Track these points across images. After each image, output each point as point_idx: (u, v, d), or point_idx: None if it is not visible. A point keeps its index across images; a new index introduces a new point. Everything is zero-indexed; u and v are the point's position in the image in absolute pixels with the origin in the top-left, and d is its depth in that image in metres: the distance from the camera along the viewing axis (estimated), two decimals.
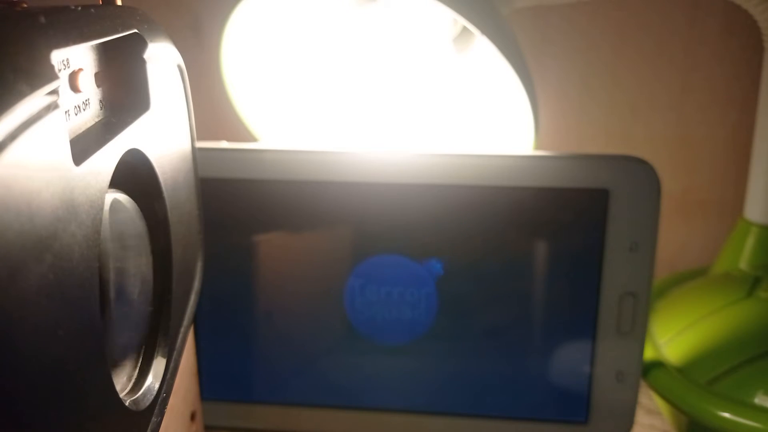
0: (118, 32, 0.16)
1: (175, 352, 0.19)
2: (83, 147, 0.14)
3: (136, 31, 0.17)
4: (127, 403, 0.16)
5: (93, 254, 0.13)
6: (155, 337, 0.19)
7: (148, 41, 0.17)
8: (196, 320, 0.23)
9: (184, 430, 0.24)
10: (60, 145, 0.12)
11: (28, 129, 0.11)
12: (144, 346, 0.18)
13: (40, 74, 0.11)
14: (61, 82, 0.13)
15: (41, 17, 0.12)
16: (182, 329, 0.20)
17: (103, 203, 0.14)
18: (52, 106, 0.12)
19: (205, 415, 0.28)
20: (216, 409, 0.32)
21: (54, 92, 0.12)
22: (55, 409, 0.12)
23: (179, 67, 0.20)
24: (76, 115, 0.14)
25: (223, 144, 0.30)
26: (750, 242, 0.35)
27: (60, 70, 0.13)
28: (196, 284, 0.22)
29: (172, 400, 0.23)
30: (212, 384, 0.31)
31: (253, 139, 0.36)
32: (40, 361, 0.11)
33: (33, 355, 0.11)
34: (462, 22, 0.27)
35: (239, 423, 0.32)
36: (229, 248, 0.30)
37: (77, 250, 0.13)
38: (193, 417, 0.25)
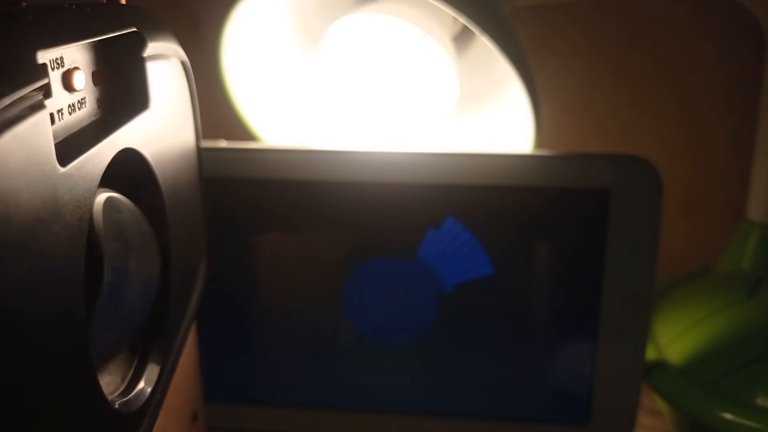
0: (115, 31, 0.16)
1: (173, 353, 0.19)
2: (74, 147, 0.13)
3: (134, 29, 0.16)
4: (117, 405, 0.16)
5: (79, 254, 0.13)
6: (152, 338, 0.18)
7: (148, 39, 0.17)
8: (197, 321, 0.22)
9: (185, 431, 0.24)
10: (43, 146, 0.12)
11: (7, 130, 0.11)
12: (141, 347, 0.18)
13: (23, 74, 0.11)
14: (51, 82, 0.13)
15: (29, 16, 0.12)
16: (182, 329, 0.20)
17: (92, 203, 0.14)
18: (36, 107, 0.11)
19: (208, 416, 0.28)
20: (219, 410, 0.32)
21: (39, 92, 0.12)
22: (37, 412, 0.12)
23: (183, 64, 0.20)
24: (70, 114, 0.14)
25: (223, 144, 0.30)
26: (752, 243, 0.35)
27: (53, 69, 0.13)
28: (199, 284, 0.22)
29: (174, 401, 0.22)
30: (215, 385, 0.31)
31: (253, 139, 0.36)
32: (20, 362, 0.11)
33: (12, 356, 0.11)
34: (462, 20, 0.27)
35: (242, 424, 0.32)
36: (229, 248, 0.30)
37: (61, 251, 0.12)
38: (195, 417, 0.25)
